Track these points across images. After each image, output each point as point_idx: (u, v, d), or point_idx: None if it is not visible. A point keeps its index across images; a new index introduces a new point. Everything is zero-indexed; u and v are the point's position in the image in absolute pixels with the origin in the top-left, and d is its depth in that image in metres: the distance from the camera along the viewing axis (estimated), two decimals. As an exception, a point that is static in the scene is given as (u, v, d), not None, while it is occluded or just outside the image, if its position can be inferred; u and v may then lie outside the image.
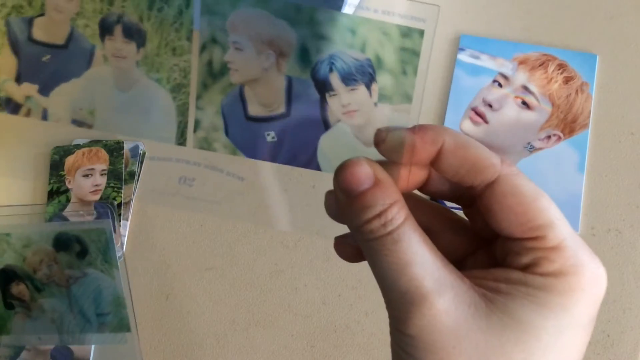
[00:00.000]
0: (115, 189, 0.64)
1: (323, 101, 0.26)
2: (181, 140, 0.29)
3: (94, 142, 0.66)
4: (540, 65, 0.66)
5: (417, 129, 0.24)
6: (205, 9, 0.25)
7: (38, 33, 0.29)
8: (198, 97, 0.27)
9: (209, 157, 0.32)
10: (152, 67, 0.27)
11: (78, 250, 0.54)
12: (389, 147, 0.24)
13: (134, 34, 0.27)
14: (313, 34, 0.25)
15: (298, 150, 0.26)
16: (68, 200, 0.64)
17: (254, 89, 0.26)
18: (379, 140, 0.24)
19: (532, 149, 0.63)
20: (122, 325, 0.52)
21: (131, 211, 0.63)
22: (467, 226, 0.26)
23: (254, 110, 0.27)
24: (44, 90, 0.29)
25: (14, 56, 0.29)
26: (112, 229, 0.52)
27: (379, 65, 0.25)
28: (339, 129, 0.26)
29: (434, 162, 0.24)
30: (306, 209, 0.62)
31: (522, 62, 0.66)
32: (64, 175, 0.65)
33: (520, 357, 0.22)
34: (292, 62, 0.25)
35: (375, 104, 0.26)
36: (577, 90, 0.65)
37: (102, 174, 0.64)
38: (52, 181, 0.65)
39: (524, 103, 0.64)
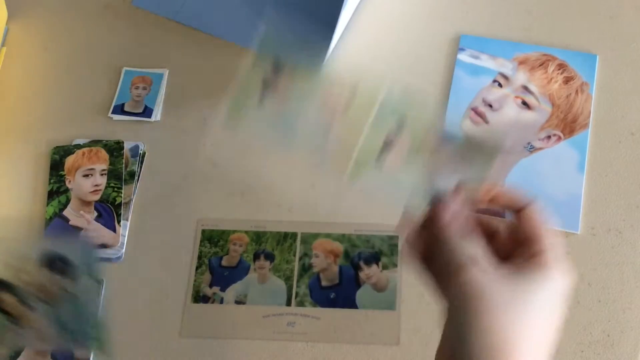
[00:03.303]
0: (116, 189, 0.64)
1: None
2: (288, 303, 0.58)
3: (94, 142, 0.66)
4: (540, 65, 0.66)
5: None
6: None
7: (224, 262, 0.61)
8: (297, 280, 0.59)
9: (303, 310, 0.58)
10: (276, 271, 0.60)
11: (65, 270, 0.51)
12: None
13: (269, 256, 0.60)
14: None
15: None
16: (68, 200, 0.64)
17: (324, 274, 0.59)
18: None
19: (532, 149, 0.63)
20: (103, 348, 0.51)
21: (131, 211, 0.63)
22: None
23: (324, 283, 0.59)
24: (223, 289, 0.60)
25: (209, 274, 0.60)
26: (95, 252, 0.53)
27: None
28: None
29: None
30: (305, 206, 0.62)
31: (522, 62, 0.66)
32: (64, 175, 0.65)
33: (528, 298, 0.38)
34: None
35: None
36: (577, 90, 0.65)
37: (102, 174, 0.64)
38: (52, 181, 0.65)
39: (524, 103, 0.64)
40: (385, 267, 0.59)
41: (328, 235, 0.60)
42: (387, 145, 0.42)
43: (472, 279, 0.38)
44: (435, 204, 0.42)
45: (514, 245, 0.42)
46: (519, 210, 0.42)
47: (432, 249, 0.42)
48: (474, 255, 0.40)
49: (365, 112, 0.43)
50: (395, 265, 0.59)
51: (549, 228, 0.41)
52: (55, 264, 0.48)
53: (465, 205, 0.42)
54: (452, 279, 0.39)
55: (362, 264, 0.59)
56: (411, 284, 0.58)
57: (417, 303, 0.58)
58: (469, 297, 0.38)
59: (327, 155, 0.43)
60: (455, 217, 0.41)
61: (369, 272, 0.59)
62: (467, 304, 0.38)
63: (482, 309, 0.38)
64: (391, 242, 0.60)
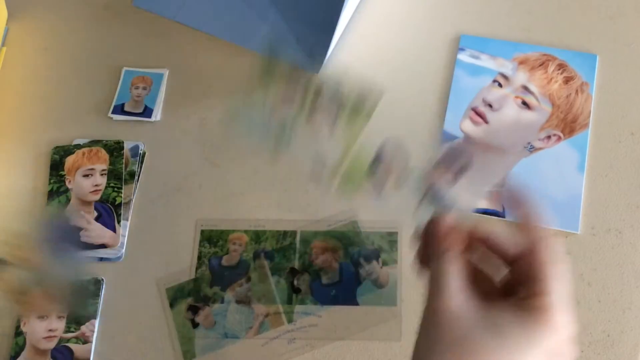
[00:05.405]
0: (116, 189, 0.64)
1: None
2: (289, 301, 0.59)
3: (94, 142, 0.66)
4: (540, 65, 0.66)
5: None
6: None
7: (224, 261, 0.61)
8: None
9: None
10: (276, 270, 0.60)
11: (358, 264, 0.59)
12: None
13: (269, 256, 0.60)
14: None
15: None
16: (68, 200, 0.64)
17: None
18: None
19: (532, 149, 0.63)
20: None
21: (131, 211, 0.63)
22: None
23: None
24: (223, 289, 0.60)
25: (209, 274, 0.60)
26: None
27: None
28: None
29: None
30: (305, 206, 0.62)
31: (522, 62, 0.66)
32: (64, 175, 0.65)
33: (496, 344, 0.33)
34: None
35: None
36: (577, 90, 0.65)
37: (102, 174, 0.64)
38: (52, 181, 0.65)
39: (524, 103, 0.64)
40: (385, 264, 0.59)
41: (327, 233, 0.60)
42: (377, 159, 0.42)
43: (445, 310, 0.35)
44: (435, 218, 0.39)
45: (515, 284, 0.37)
46: (527, 245, 0.36)
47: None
48: (454, 285, 0.36)
49: (357, 126, 0.43)
50: (395, 262, 0.59)
51: (560, 268, 0.35)
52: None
53: (460, 230, 0.38)
54: (427, 301, 0.36)
55: (362, 260, 0.59)
56: (411, 279, 0.58)
57: (418, 298, 0.58)
58: (440, 330, 0.34)
59: (318, 165, 0.42)
60: (451, 235, 0.38)
61: (369, 269, 0.59)
62: (439, 336, 0.34)
63: (453, 350, 0.33)
64: (391, 239, 0.60)
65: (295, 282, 0.59)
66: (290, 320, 0.58)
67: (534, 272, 0.35)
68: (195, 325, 0.58)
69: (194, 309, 0.59)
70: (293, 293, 0.58)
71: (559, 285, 0.34)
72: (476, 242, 0.38)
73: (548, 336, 0.33)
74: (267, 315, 0.58)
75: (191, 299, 0.59)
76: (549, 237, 0.36)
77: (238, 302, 0.59)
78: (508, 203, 0.40)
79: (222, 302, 0.59)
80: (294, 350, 0.57)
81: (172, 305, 0.59)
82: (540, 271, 0.35)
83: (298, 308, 0.58)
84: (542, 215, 0.36)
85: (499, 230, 0.38)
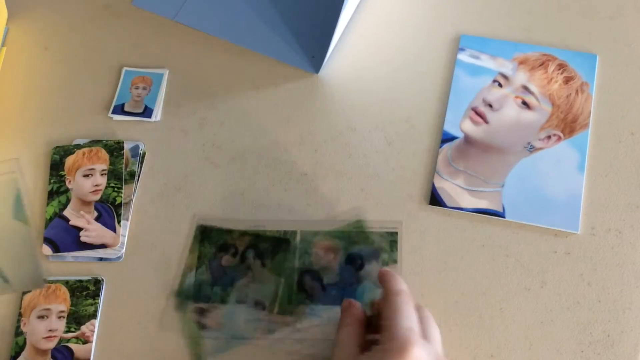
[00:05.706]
0: (116, 189, 0.64)
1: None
2: (289, 301, 0.59)
3: (94, 142, 0.66)
4: (540, 65, 0.66)
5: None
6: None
7: (224, 262, 0.61)
8: None
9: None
10: (276, 269, 0.60)
11: (358, 264, 0.59)
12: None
13: (269, 256, 0.61)
14: None
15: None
16: (68, 200, 0.64)
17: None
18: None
19: (532, 149, 0.63)
20: None
21: (131, 211, 0.63)
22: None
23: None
24: (224, 289, 0.60)
25: (210, 274, 0.60)
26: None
27: None
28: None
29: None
30: (306, 207, 0.62)
31: (522, 62, 0.66)
32: (64, 175, 0.65)
33: None
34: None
35: None
36: (577, 90, 0.65)
37: (102, 174, 0.64)
38: (52, 181, 0.65)
39: (524, 103, 0.64)
40: (385, 263, 0.59)
41: (328, 233, 0.60)
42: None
43: None
44: (343, 301, 0.54)
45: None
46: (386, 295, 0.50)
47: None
48: (348, 344, 0.50)
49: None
50: (395, 262, 0.59)
51: (405, 309, 0.48)
52: (354, 261, 0.60)
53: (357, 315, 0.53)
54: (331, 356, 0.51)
55: (362, 260, 0.59)
56: (411, 279, 0.58)
57: (418, 298, 0.58)
58: None
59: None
60: (348, 312, 0.53)
61: (369, 269, 0.59)
62: None
63: None
64: (391, 239, 0.60)
65: (296, 283, 0.59)
66: (293, 341, 0.58)
67: (387, 314, 0.48)
68: (199, 327, 0.58)
69: (199, 311, 0.59)
70: (293, 293, 0.58)
71: (404, 319, 0.47)
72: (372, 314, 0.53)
73: (405, 358, 0.45)
74: (268, 315, 0.58)
75: (194, 301, 0.59)
76: (398, 290, 0.50)
77: (238, 302, 0.59)
78: (380, 278, 0.53)
79: (223, 302, 0.59)
80: (294, 351, 0.57)
81: (174, 306, 0.59)
82: (390, 312, 0.48)
83: (298, 308, 0.58)
84: (397, 280, 0.51)
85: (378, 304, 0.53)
